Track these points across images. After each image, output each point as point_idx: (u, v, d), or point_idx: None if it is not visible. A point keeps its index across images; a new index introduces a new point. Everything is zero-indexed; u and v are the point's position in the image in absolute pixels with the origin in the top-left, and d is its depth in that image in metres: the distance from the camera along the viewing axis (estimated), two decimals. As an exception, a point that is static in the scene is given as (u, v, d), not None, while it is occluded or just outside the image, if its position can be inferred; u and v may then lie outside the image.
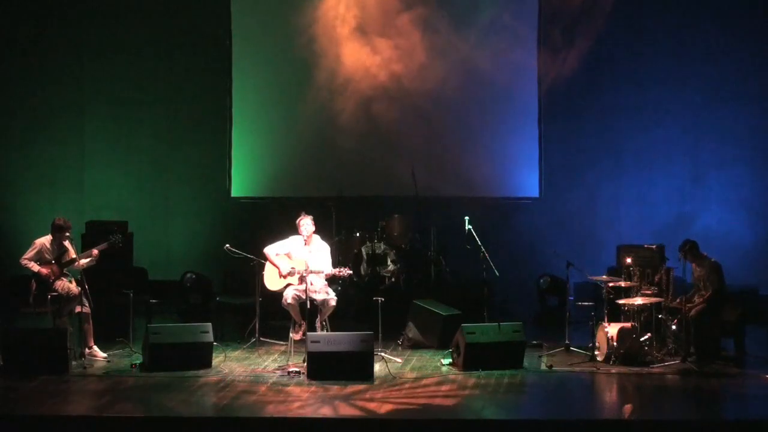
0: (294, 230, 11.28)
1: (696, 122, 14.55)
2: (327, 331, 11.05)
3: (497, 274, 11.62)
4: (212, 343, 10.97)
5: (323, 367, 10.34)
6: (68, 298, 11.15)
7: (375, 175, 14.62)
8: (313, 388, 10.03)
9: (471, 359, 10.74)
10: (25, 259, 11.17)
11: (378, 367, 10.69)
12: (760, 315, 13.12)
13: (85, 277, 10.98)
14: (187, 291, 13.95)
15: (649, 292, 11.30)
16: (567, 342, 11.62)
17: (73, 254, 11.24)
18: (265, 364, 11.11)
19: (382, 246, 13.71)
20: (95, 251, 11.27)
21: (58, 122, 15.11)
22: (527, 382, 10.47)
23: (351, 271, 11.41)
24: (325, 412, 9.31)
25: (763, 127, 14.47)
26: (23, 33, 15.02)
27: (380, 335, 11.09)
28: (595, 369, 10.82)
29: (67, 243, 11.26)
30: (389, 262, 13.70)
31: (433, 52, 14.40)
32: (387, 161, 14.48)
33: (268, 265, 11.22)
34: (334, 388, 9.96)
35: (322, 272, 11.04)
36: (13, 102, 15.12)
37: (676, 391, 10.18)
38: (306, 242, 11.22)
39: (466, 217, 12.02)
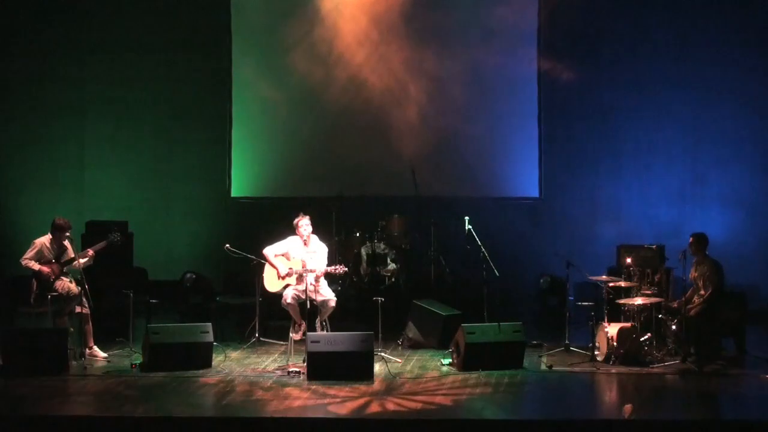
0: (292, 230, 11.28)
1: (696, 122, 14.54)
2: (327, 331, 11.05)
3: (497, 274, 11.61)
4: (212, 343, 10.97)
5: (323, 367, 10.34)
6: (68, 298, 11.16)
7: (375, 175, 14.61)
8: (313, 388, 10.03)
9: (471, 359, 10.74)
10: (26, 258, 11.19)
11: (378, 367, 10.70)
12: (760, 315, 13.13)
13: (85, 277, 10.99)
14: (187, 291, 13.95)
15: (649, 292, 11.31)
16: (567, 342, 11.62)
17: (72, 253, 11.25)
18: (265, 364, 11.12)
19: (382, 246, 13.72)
20: (90, 251, 11.29)
21: (58, 122, 15.11)
22: (527, 382, 10.47)
23: (346, 269, 11.41)
24: (325, 412, 9.31)
25: (763, 127, 14.47)
26: (23, 33, 15.02)
27: (380, 335, 11.10)
28: (595, 369, 10.82)
29: (66, 242, 11.28)
30: (389, 262, 13.71)
31: (433, 52, 14.41)
32: (387, 161, 14.48)
33: (267, 266, 11.23)
34: (334, 388, 9.97)
35: (315, 271, 11.03)
36: (13, 102, 15.12)
37: (676, 391, 10.18)
38: (305, 243, 11.23)
39: (466, 217, 12.02)
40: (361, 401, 9.56)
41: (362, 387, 10.05)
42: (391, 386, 10.13)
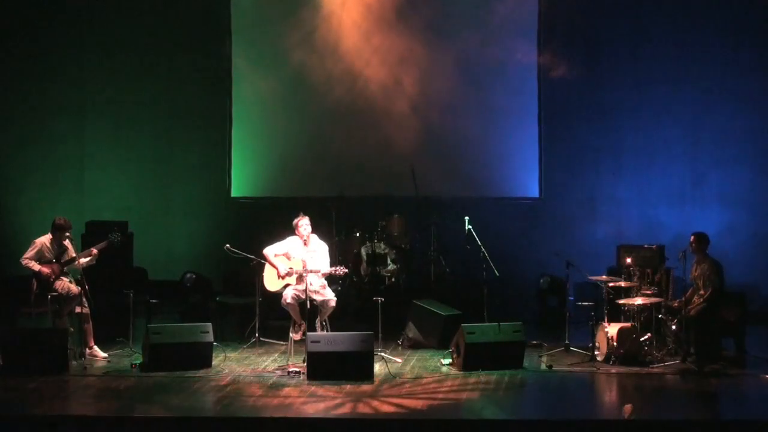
0: (293, 230, 11.29)
1: (696, 122, 14.54)
2: (327, 331, 11.05)
3: (497, 274, 11.62)
4: (212, 343, 10.97)
5: (323, 367, 10.34)
6: (68, 298, 11.16)
7: (375, 175, 14.61)
8: (313, 388, 10.03)
9: (471, 359, 10.74)
10: (26, 258, 11.20)
11: (378, 367, 10.70)
12: (760, 315, 13.12)
13: (85, 277, 10.99)
14: (187, 291, 13.95)
15: (649, 292, 11.31)
16: (567, 342, 11.63)
17: (72, 253, 11.26)
18: (265, 364, 11.12)
19: (382, 246, 13.71)
20: (94, 250, 11.29)
21: (58, 122, 15.11)
22: (527, 382, 10.48)
23: (347, 270, 11.41)
24: (325, 412, 9.31)
25: (763, 127, 14.46)
26: (23, 33, 15.01)
27: (380, 335, 11.10)
28: (595, 369, 10.82)
29: (66, 242, 11.28)
30: (389, 262, 13.71)
31: (434, 52, 14.41)
32: (387, 161, 14.48)
33: (267, 266, 11.23)
34: (334, 388, 9.97)
35: (319, 272, 11.05)
36: (13, 102, 15.11)
37: (676, 391, 10.18)
38: (305, 243, 11.23)
39: (466, 217, 12.03)
40: (361, 401, 9.56)
41: (362, 387, 10.05)
42: (391, 386, 10.13)
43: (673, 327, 11.24)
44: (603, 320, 11.25)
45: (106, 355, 11.32)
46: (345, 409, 9.33)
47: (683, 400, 9.96)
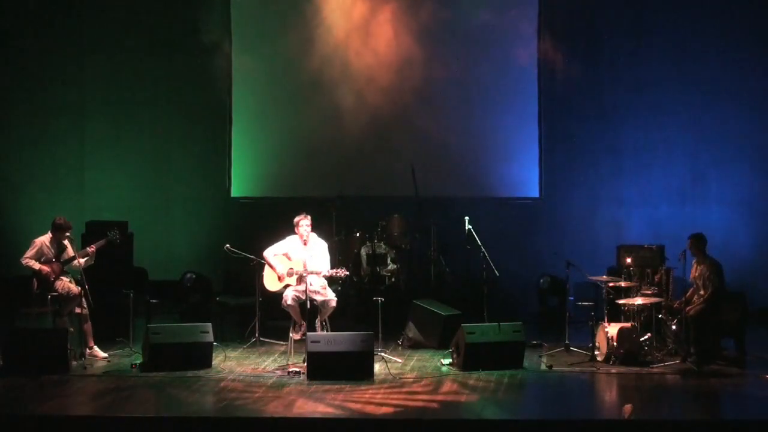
0: (292, 230, 11.29)
1: (696, 122, 14.53)
2: (327, 331, 11.06)
3: (497, 274, 11.63)
4: (212, 343, 10.98)
5: (323, 367, 10.34)
6: (68, 298, 11.16)
7: (375, 175, 14.61)
8: (313, 388, 10.03)
9: (471, 359, 10.74)
10: (26, 258, 11.20)
11: (378, 367, 10.70)
12: (760, 315, 13.12)
13: (85, 277, 10.99)
14: (187, 291, 13.95)
15: (649, 292, 11.31)
16: (567, 342, 11.63)
17: (72, 252, 11.25)
18: (265, 364, 11.12)
19: (382, 246, 13.71)
20: (91, 248, 11.28)
21: (58, 122, 15.10)
22: (527, 382, 10.48)
23: (348, 272, 11.42)
24: (325, 412, 9.31)
25: (763, 127, 14.46)
26: (23, 33, 15.01)
27: (380, 335, 11.11)
28: (595, 369, 10.82)
29: (66, 242, 11.28)
30: (389, 262, 13.70)
31: (434, 52, 14.42)
32: (387, 161, 14.48)
33: (267, 266, 11.23)
34: (334, 388, 9.97)
35: (320, 273, 11.05)
36: (13, 102, 15.10)
37: (676, 391, 10.18)
38: (305, 243, 11.23)
39: (466, 217, 12.04)
40: (361, 401, 9.56)
41: (362, 387, 10.05)
42: (391, 386, 10.13)
43: (673, 327, 11.24)
44: (603, 320, 11.25)
45: (106, 355, 11.33)
46: (345, 410, 9.33)
47: (683, 400, 9.96)
